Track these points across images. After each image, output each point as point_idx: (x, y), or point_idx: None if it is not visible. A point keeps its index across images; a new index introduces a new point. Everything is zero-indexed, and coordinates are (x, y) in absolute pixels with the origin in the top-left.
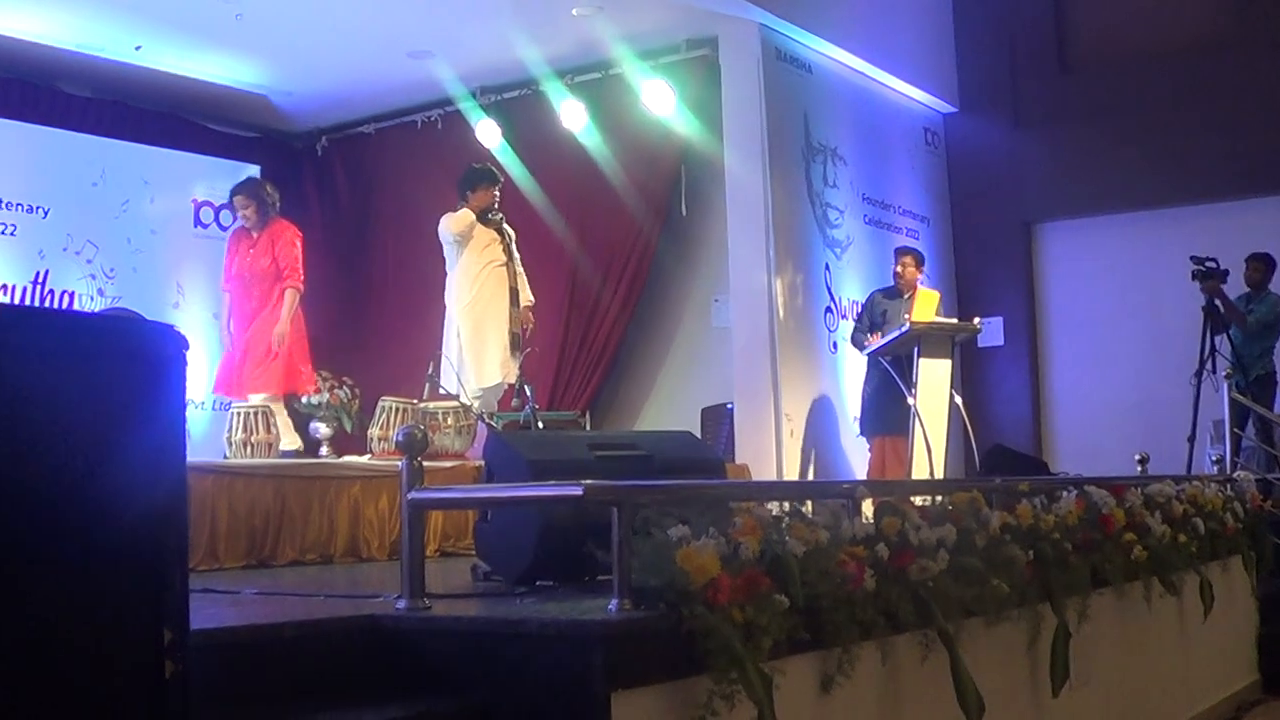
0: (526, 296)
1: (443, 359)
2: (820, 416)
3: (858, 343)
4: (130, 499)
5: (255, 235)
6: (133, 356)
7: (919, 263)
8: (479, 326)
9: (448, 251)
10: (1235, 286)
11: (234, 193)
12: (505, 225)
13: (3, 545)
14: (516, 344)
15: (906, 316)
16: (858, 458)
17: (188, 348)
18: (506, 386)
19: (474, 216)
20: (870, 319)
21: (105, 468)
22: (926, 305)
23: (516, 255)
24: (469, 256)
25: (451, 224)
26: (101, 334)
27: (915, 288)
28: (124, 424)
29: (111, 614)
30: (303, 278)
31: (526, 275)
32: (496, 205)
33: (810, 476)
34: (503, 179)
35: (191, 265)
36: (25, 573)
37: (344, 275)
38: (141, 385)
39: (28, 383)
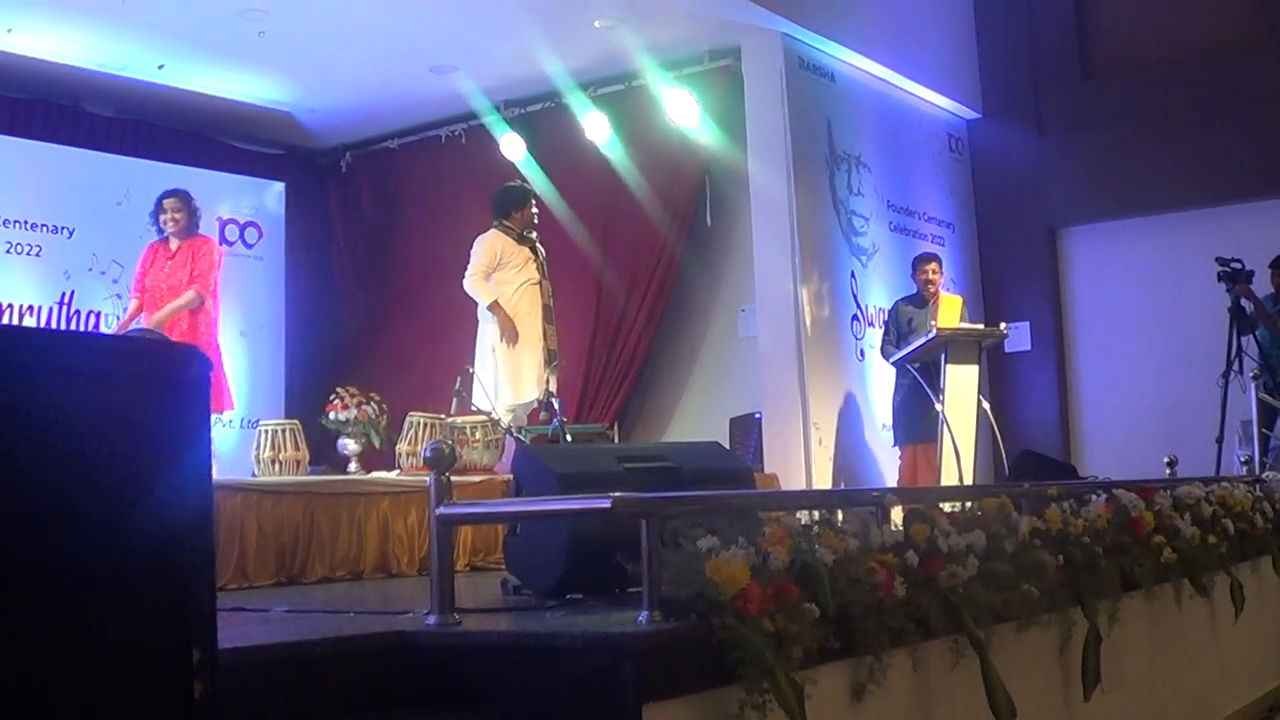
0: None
1: (474, 374)
2: (849, 424)
3: (887, 354)
4: (157, 518)
5: (174, 246)
6: (157, 377)
7: (941, 268)
8: (519, 347)
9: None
10: (1258, 287)
11: (165, 196)
12: (539, 244)
13: (31, 565)
14: (551, 360)
15: (933, 323)
16: (887, 465)
17: (211, 368)
18: (537, 403)
19: (500, 244)
20: (897, 329)
21: (132, 488)
22: (951, 310)
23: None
24: (505, 274)
25: (483, 256)
26: (127, 355)
27: (938, 293)
28: (149, 444)
29: (139, 634)
30: (212, 289)
31: (553, 286)
32: (536, 219)
33: (840, 485)
34: (536, 192)
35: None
36: (53, 592)
37: (370, 291)
38: (166, 405)
39: (56, 404)
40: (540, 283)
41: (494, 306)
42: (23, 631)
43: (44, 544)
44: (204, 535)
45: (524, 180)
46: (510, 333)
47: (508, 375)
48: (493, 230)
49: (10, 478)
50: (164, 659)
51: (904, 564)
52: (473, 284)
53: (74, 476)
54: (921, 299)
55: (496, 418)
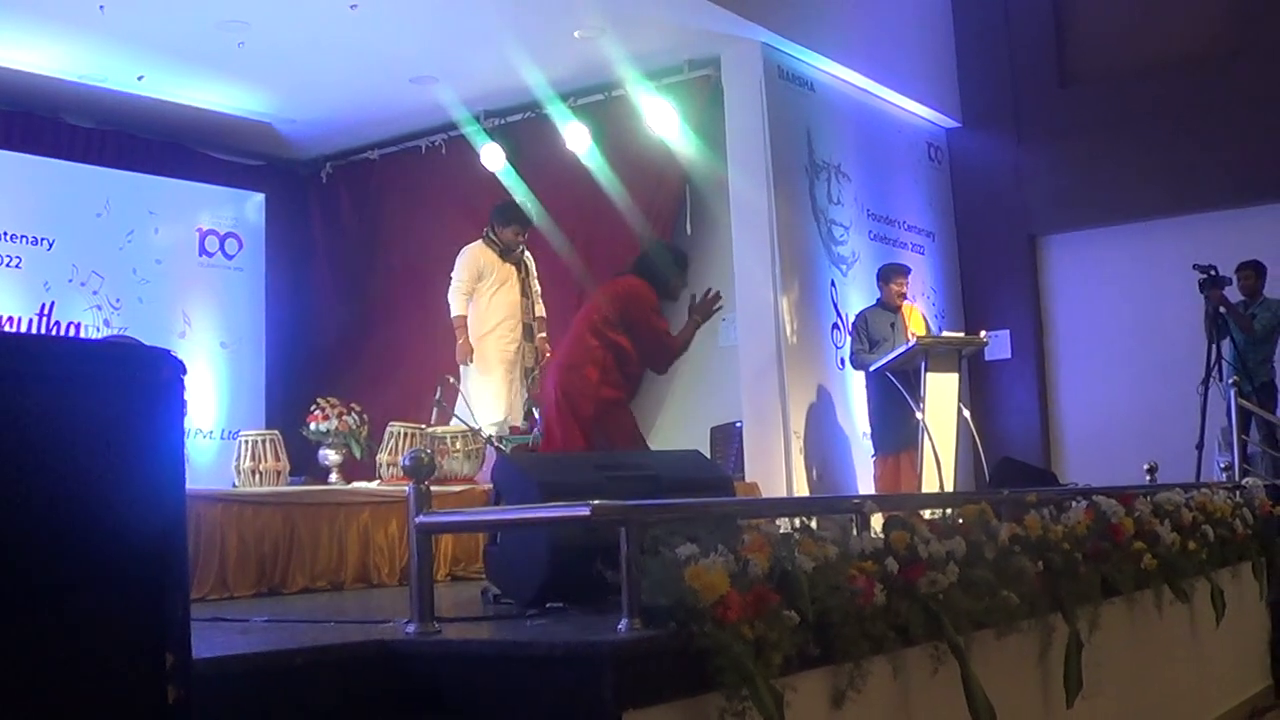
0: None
1: (455, 385)
2: (829, 433)
3: (860, 362)
4: (129, 522)
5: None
6: (129, 381)
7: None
8: (488, 364)
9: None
10: (1231, 294)
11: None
12: (526, 258)
13: (2, 567)
14: (528, 378)
15: (911, 332)
16: (867, 473)
17: (185, 372)
18: (510, 427)
19: (483, 258)
20: (869, 337)
21: (104, 492)
22: (918, 320)
23: (536, 288)
24: (482, 288)
25: (465, 272)
26: (98, 359)
27: (902, 304)
28: (122, 448)
29: (112, 638)
30: None
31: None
32: (523, 245)
33: (819, 493)
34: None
35: (197, 294)
36: (24, 598)
37: (350, 301)
38: (139, 410)
39: (25, 408)
40: (521, 301)
41: (457, 322)
42: None
43: (16, 545)
44: (177, 537)
45: (520, 203)
46: (464, 352)
47: (477, 390)
48: (479, 242)
49: None
50: (137, 663)
51: (884, 571)
52: (450, 295)
53: (46, 479)
54: (890, 308)
55: (477, 428)
